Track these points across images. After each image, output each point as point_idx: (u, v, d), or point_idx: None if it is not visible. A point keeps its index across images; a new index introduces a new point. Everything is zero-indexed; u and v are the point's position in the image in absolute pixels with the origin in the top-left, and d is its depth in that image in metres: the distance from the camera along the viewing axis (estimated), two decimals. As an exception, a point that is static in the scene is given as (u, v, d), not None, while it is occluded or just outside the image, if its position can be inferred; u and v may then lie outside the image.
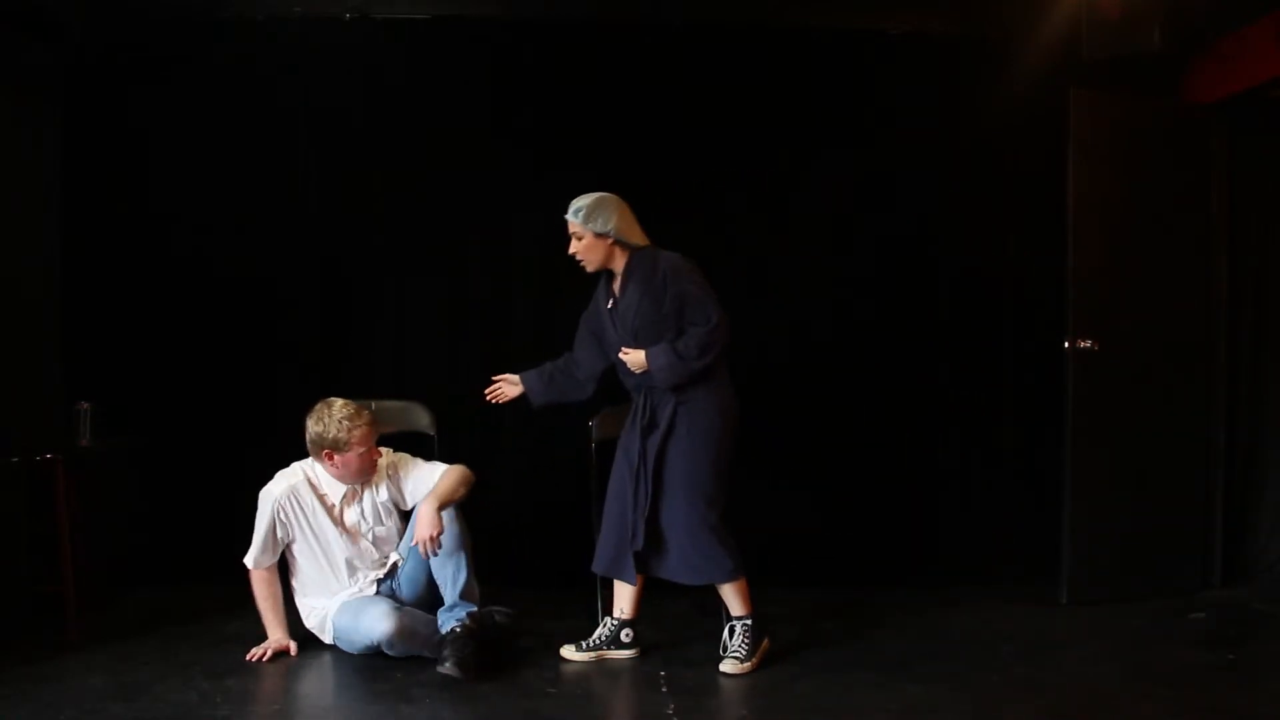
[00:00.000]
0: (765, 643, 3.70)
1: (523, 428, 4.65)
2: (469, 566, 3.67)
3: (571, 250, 3.68)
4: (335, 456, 3.62)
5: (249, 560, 3.71)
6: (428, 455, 4.38)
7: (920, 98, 4.74)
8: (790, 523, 4.65)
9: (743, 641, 3.64)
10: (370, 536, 3.77)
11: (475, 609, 3.60)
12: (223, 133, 4.59)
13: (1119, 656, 3.84)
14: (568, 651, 3.76)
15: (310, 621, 3.78)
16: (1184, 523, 4.68)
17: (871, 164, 4.68)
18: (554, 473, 4.65)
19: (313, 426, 3.63)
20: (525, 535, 4.69)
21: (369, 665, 3.60)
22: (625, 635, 3.78)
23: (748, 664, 3.61)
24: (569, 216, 3.65)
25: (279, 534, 3.69)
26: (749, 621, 3.66)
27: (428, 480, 3.77)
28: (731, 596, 3.67)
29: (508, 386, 3.91)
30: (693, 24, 4.69)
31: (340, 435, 3.58)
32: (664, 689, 3.45)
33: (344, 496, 3.73)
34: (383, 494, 3.78)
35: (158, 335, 4.58)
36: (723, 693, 3.49)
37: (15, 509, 3.82)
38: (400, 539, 3.81)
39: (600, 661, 3.73)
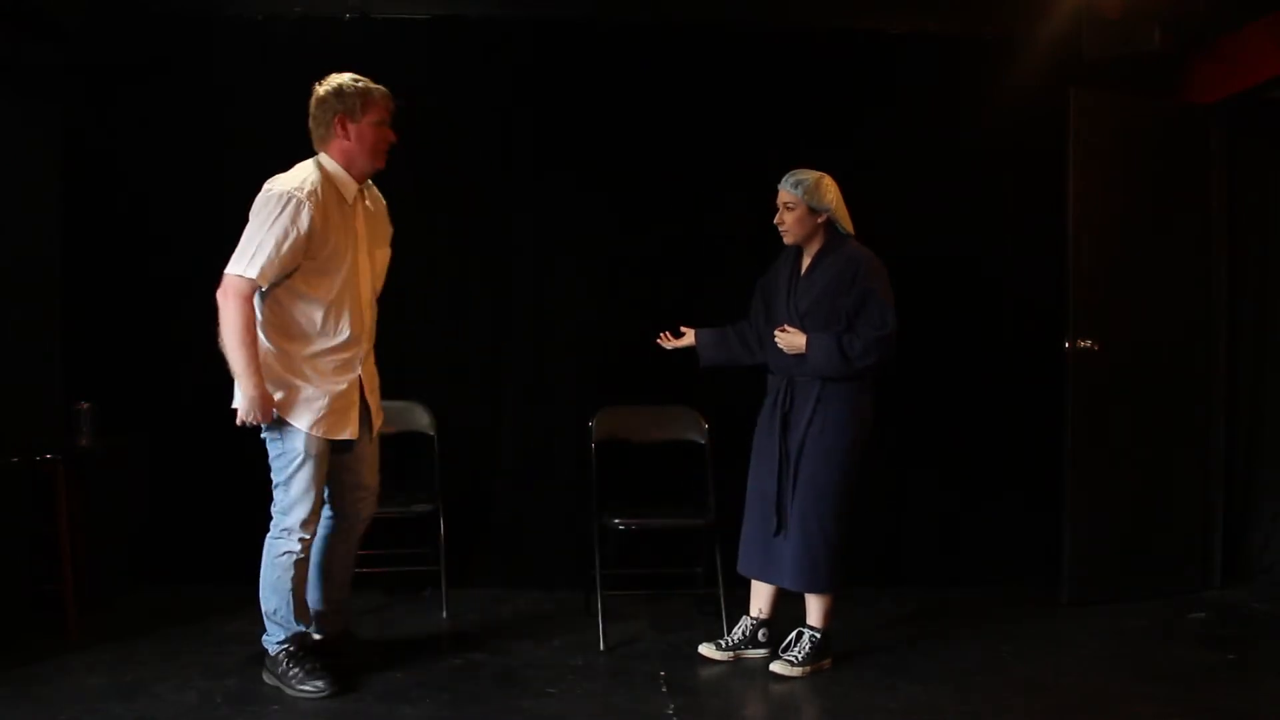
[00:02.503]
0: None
1: (523, 428, 4.65)
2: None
3: (778, 219, 3.67)
4: (349, 126, 3.11)
5: (248, 268, 3.06)
6: (428, 455, 4.39)
7: (920, 98, 4.74)
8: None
9: (806, 649, 3.59)
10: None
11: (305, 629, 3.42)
12: (223, 132, 4.58)
13: (1119, 656, 3.84)
14: (707, 650, 3.75)
15: (278, 394, 3.21)
16: (1184, 523, 4.68)
17: (871, 164, 4.68)
18: (554, 473, 4.64)
19: (321, 90, 3.13)
20: (526, 535, 4.68)
21: (369, 665, 3.60)
22: (762, 635, 3.74)
23: (799, 669, 3.56)
24: (786, 186, 3.64)
25: (297, 244, 3.05)
26: (819, 635, 3.62)
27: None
28: (814, 605, 3.63)
29: (683, 339, 3.88)
30: (693, 24, 4.68)
31: (353, 94, 3.08)
32: (664, 689, 3.45)
33: (356, 195, 3.16)
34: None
35: (158, 335, 4.57)
36: (722, 693, 3.49)
37: (15, 509, 3.82)
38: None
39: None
